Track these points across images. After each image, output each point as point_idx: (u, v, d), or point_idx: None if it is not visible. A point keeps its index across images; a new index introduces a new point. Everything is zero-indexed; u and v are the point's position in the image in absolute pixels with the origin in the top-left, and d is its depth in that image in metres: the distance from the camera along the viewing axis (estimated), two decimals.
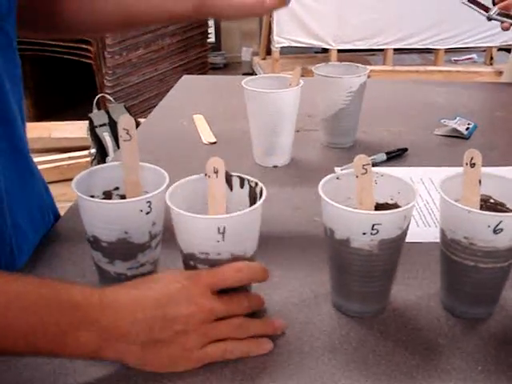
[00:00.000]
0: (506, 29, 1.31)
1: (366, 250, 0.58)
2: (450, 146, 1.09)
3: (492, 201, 0.65)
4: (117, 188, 0.69)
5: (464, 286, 0.63)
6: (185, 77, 1.49)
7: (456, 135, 1.12)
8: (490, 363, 0.59)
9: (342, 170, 0.91)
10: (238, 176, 0.65)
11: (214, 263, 0.59)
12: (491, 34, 3.63)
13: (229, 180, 0.64)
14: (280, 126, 0.96)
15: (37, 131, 3.01)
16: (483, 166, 0.98)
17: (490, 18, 1.30)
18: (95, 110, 3.02)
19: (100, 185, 0.68)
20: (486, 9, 1.31)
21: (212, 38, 4.63)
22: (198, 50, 3.92)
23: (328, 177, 0.64)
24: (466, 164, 0.63)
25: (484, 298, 0.64)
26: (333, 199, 0.59)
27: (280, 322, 0.62)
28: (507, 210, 0.64)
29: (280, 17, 3.59)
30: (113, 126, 2.76)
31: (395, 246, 0.60)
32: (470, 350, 0.60)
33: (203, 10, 0.80)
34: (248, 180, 0.64)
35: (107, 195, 0.68)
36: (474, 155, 0.63)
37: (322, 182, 0.62)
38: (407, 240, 0.78)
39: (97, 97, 3.06)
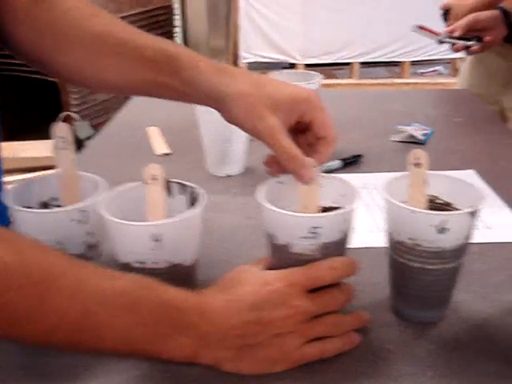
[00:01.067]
0: (456, 50, 1.36)
1: (307, 255, 0.56)
2: (406, 151, 1.05)
3: (439, 201, 0.64)
4: (55, 198, 0.66)
5: (412, 289, 0.61)
6: None
7: (412, 141, 1.11)
8: (442, 368, 0.57)
9: None
10: (177, 182, 0.63)
11: (150, 273, 0.56)
12: None
13: (168, 186, 0.62)
14: (231, 134, 0.94)
15: (1, 151, 2.95)
16: (440, 170, 0.98)
17: (441, 41, 1.35)
18: None
19: (37, 196, 0.65)
20: (437, 33, 1.37)
21: None
22: None
23: (269, 181, 0.61)
24: (412, 164, 0.61)
25: (434, 300, 0.62)
26: (276, 204, 0.58)
27: (367, 315, 0.61)
28: (454, 210, 0.62)
29: (246, 32, 3.60)
30: (78, 144, 2.72)
31: (337, 250, 0.57)
32: (420, 355, 0.58)
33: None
34: (188, 186, 0.62)
35: (44, 206, 0.66)
36: (419, 155, 0.61)
37: (259, 187, 0.59)
38: (359, 245, 0.77)
39: (61, 115, 3.02)
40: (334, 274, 0.56)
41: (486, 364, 0.57)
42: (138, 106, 1.37)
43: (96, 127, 2.88)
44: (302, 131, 0.64)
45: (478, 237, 0.78)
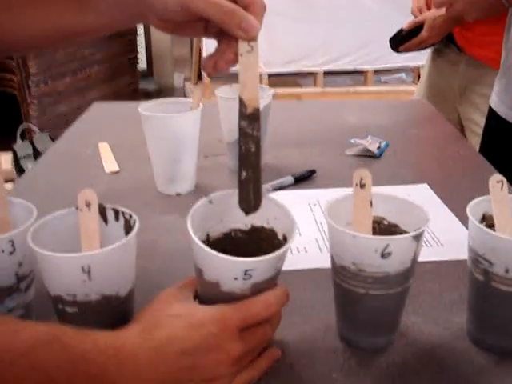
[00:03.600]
0: None
1: (238, 294, 0.52)
2: (361, 165, 1.04)
3: (385, 222, 0.62)
4: None
5: (358, 315, 0.59)
6: (95, 104, 1.44)
7: (368, 154, 1.10)
8: None
9: None
10: (112, 208, 0.60)
11: (82, 305, 0.53)
12: (418, 54, 3.69)
13: (103, 213, 0.59)
14: (180, 151, 0.91)
15: None
16: (394, 184, 0.97)
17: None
18: (19, 141, 2.92)
19: None
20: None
21: (143, 65, 4.58)
22: (127, 76, 3.86)
23: (200, 202, 0.57)
24: (356, 185, 0.60)
25: (381, 326, 0.60)
26: (204, 223, 0.55)
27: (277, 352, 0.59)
28: (401, 232, 0.60)
29: (209, 42, 3.57)
30: (37, 156, 2.67)
31: (270, 285, 0.54)
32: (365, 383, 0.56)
33: None
34: (122, 212, 0.59)
35: None
36: (363, 175, 0.59)
37: (192, 212, 0.55)
38: (308, 266, 0.75)
39: (20, 127, 2.96)
40: (269, 311, 0.53)
41: None
42: (90, 120, 1.34)
43: (55, 139, 2.82)
44: None
45: (431, 255, 0.77)
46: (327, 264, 0.62)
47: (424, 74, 1.72)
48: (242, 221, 0.59)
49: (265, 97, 0.97)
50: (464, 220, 0.85)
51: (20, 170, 2.72)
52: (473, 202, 0.60)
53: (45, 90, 3.23)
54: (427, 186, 0.97)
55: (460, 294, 0.69)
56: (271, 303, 0.52)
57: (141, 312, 0.54)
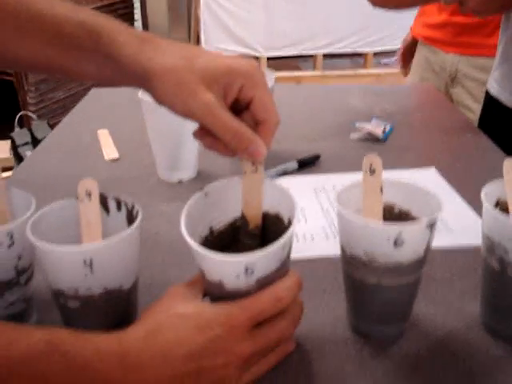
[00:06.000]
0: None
1: (243, 291, 0.49)
2: (366, 150, 1.03)
3: (396, 209, 0.60)
4: None
5: (369, 306, 0.57)
6: (93, 90, 1.41)
7: (372, 138, 1.08)
8: None
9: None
10: (114, 198, 0.57)
11: (84, 300, 0.52)
12: None
13: (104, 203, 0.57)
14: (182, 137, 0.89)
15: None
16: (399, 168, 0.95)
17: None
18: (17, 129, 2.90)
19: None
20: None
21: None
22: None
23: (194, 196, 0.55)
24: (366, 171, 0.57)
25: (392, 317, 0.58)
26: (204, 218, 0.54)
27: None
28: (412, 219, 0.59)
29: (207, 25, 3.53)
30: (36, 144, 2.64)
31: (278, 276, 0.51)
32: (377, 376, 0.55)
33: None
34: (125, 202, 0.57)
35: None
36: (373, 161, 0.57)
37: (186, 209, 0.53)
38: (315, 254, 0.73)
39: (18, 114, 2.94)
40: (279, 305, 0.50)
41: (449, 382, 0.54)
42: (88, 108, 1.31)
43: (54, 126, 2.79)
44: (239, 112, 0.54)
45: (440, 241, 0.75)
46: (334, 252, 0.60)
47: (415, 60, 1.70)
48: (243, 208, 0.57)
49: (267, 80, 0.94)
50: (474, 204, 0.84)
51: (18, 158, 2.70)
52: (486, 188, 0.58)
53: (42, 77, 3.19)
54: (435, 170, 0.95)
55: (472, 282, 0.67)
56: (280, 297, 0.50)
57: (146, 311, 0.51)
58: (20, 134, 2.80)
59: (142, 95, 0.88)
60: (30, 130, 2.84)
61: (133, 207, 0.57)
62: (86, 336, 0.46)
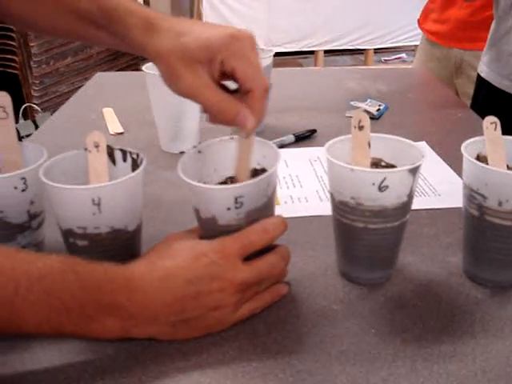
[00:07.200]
0: None
1: (234, 225, 0.55)
2: None
3: (383, 163, 0.64)
4: None
5: (357, 250, 0.61)
6: (99, 74, 1.46)
7: None
8: (384, 326, 0.57)
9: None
10: (120, 149, 0.62)
11: (92, 238, 0.56)
12: (419, 33, 3.70)
13: (111, 154, 0.62)
14: (184, 110, 0.93)
15: None
16: None
17: None
18: (22, 120, 2.94)
19: None
20: None
21: None
22: (128, 57, 3.87)
23: (189, 152, 0.60)
24: (354, 127, 0.61)
25: (379, 261, 0.62)
26: (198, 174, 0.58)
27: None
28: None
29: (210, 21, 3.58)
30: None
31: (265, 213, 0.56)
32: (364, 315, 0.59)
33: None
34: (130, 152, 0.61)
35: None
36: (361, 117, 0.61)
37: (181, 160, 0.57)
38: (309, 213, 0.77)
39: (23, 107, 2.98)
40: (267, 237, 0.55)
41: (431, 321, 0.58)
42: (94, 89, 1.36)
43: None
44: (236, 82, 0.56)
45: (428, 203, 0.79)
46: (327, 212, 0.64)
47: (420, 50, 1.73)
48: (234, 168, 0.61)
49: (266, 57, 0.99)
50: (461, 173, 0.87)
51: None
52: (467, 142, 0.63)
53: (46, 70, 3.24)
54: (425, 144, 0.99)
55: (456, 237, 0.71)
56: (268, 229, 0.55)
57: (148, 250, 0.56)
58: (24, 126, 2.84)
59: (146, 68, 0.92)
60: (34, 121, 2.89)
61: (137, 156, 0.61)
62: (96, 262, 0.51)
